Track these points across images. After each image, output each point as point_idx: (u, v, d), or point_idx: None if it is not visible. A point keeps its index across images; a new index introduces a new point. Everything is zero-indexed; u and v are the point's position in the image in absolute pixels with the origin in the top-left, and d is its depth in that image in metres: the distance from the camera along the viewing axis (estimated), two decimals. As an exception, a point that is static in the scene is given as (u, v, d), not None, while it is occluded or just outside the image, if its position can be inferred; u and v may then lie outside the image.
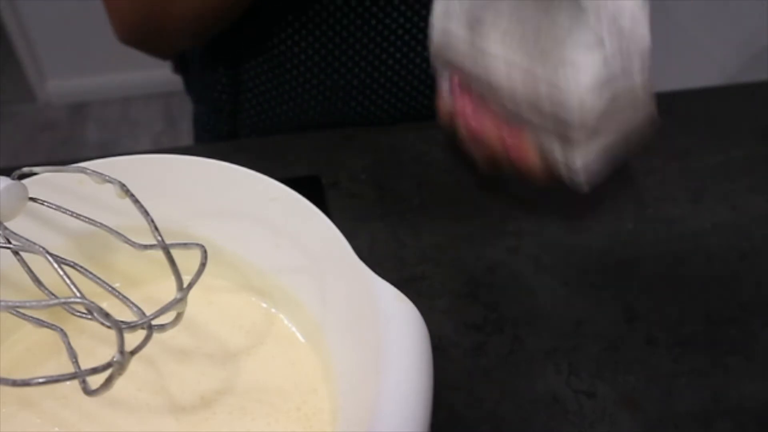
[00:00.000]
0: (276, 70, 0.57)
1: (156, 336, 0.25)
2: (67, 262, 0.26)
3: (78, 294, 0.22)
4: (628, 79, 0.32)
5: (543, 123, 0.34)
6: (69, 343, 0.26)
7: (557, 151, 0.35)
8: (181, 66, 0.66)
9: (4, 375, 0.25)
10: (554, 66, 0.32)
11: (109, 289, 0.24)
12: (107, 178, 0.26)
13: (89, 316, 0.25)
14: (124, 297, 0.24)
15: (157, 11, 0.47)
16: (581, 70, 0.31)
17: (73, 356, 0.25)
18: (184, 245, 0.27)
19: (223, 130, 0.63)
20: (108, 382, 0.23)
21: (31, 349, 0.32)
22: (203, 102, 0.65)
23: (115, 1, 0.48)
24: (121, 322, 0.23)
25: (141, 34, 0.50)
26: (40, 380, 0.22)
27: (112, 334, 0.22)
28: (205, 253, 0.27)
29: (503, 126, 0.37)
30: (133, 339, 0.24)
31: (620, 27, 0.31)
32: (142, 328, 0.24)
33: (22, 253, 0.26)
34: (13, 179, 0.27)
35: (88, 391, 0.23)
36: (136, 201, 0.26)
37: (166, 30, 0.49)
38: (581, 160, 0.34)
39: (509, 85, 0.34)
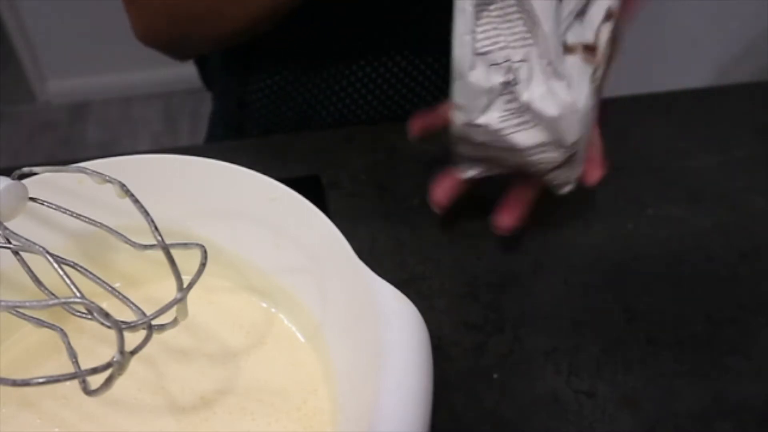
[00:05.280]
0: (281, 67, 0.57)
1: (156, 336, 0.25)
2: (67, 262, 0.26)
3: (78, 294, 0.22)
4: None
5: None
6: (69, 343, 0.26)
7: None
8: (198, 60, 0.66)
9: (4, 375, 0.25)
10: None
11: (109, 289, 0.24)
12: (107, 178, 0.26)
13: (89, 316, 0.25)
14: (124, 297, 0.24)
15: (182, 17, 0.46)
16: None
17: (73, 356, 0.25)
18: (184, 245, 0.27)
19: (232, 124, 0.63)
20: (108, 382, 0.23)
21: (31, 349, 0.32)
22: (218, 96, 0.65)
23: (139, 4, 0.47)
24: (121, 322, 0.23)
25: (165, 38, 0.49)
26: (40, 380, 0.22)
27: (112, 334, 0.22)
28: (205, 253, 0.27)
29: None
30: (133, 339, 0.24)
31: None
32: (143, 328, 0.24)
33: (22, 253, 0.26)
34: (13, 179, 0.27)
35: (88, 391, 0.23)
36: (136, 201, 0.26)
37: (190, 36, 0.48)
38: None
39: None
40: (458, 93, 0.34)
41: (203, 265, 0.27)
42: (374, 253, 0.42)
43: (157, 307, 0.24)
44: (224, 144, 0.61)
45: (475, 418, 0.35)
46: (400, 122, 0.55)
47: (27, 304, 0.23)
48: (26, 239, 0.25)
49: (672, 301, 0.41)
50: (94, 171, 0.27)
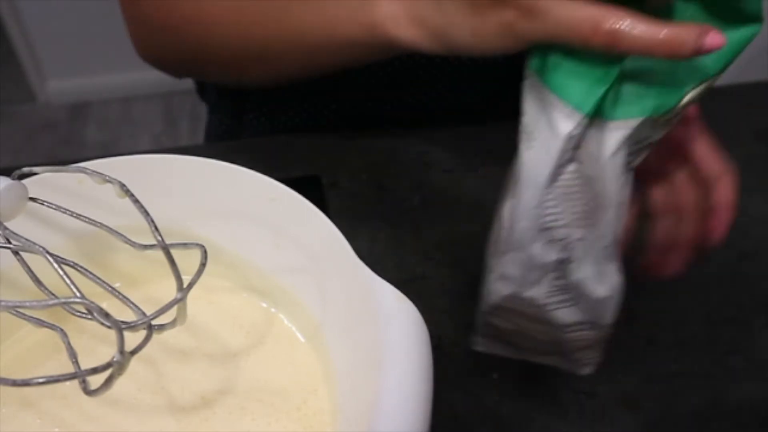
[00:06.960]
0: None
1: (156, 336, 0.25)
2: (67, 262, 0.26)
3: (78, 294, 0.22)
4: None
5: None
6: (69, 343, 0.26)
7: None
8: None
9: (4, 375, 0.25)
10: None
11: (109, 289, 0.24)
12: (107, 178, 0.26)
13: (89, 316, 0.25)
14: (124, 297, 0.24)
15: (200, 58, 0.45)
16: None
17: (73, 356, 0.25)
18: (184, 245, 0.27)
19: (229, 132, 0.63)
20: (108, 382, 0.23)
21: (31, 349, 0.32)
22: (214, 107, 0.65)
23: (155, 36, 0.46)
24: (121, 322, 0.23)
25: (174, 65, 0.49)
26: (40, 380, 0.22)
27: (112, 334, 0.22)
28: (205, 253, 0.27)
29: None
30: (133, 339, 0.24)
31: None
32: (142, 328, 0.24)
33: (22, 253, 0.26)
34: (13, 179, 0.27)
35: (88, 391, 0.23)
36: (136, 201, 0.26)
37: (203, 70, 0.48)
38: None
39: None
40: (511, 264, 0.32)
41: (203, 265, 0.27)
42: (374, 253, 0.42)
43: (157, 307, 0.24)
44: (224, 144, 0.61)
45: (475, 418, 0.35)
46: (400, 122, 0.55)
47: (27, 304, 0.23)
48: (26, 239, 0.25)
49: (672, 301, 0.41)
50: (94, 171, 0.27)
